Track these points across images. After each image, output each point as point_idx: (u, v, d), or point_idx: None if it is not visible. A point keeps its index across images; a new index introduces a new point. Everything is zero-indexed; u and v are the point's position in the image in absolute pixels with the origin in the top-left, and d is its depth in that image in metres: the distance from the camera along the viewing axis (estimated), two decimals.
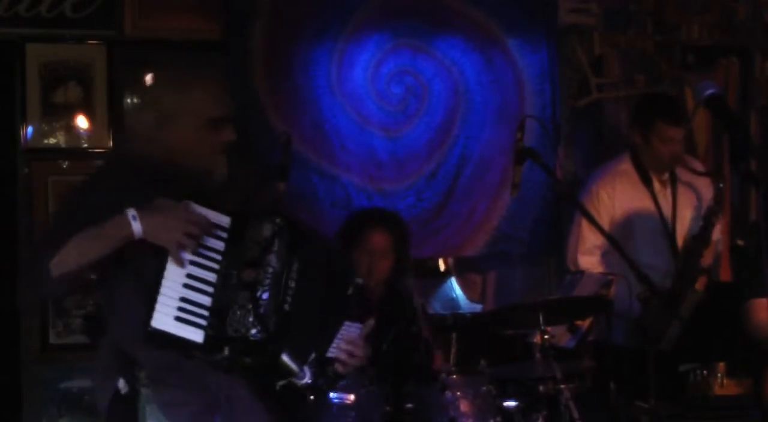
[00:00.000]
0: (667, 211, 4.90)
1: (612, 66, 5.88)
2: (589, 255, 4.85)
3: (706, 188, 4.97)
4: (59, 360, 4.97)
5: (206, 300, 2.73)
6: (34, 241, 4.45)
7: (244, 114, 4.98)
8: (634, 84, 5.87)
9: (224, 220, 2.81)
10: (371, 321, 3.05)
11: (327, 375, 2.95)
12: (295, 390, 2.87)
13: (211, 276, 2.76)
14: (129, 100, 5.20)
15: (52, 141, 5.11)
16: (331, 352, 2.97)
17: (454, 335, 4.43)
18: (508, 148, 5.30)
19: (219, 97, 3.00)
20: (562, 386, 4.06)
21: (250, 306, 2.73)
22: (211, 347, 2.71)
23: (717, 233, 5.01)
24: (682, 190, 4.96)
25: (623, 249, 3.91)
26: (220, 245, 2.79)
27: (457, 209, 5.56)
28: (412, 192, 5.51)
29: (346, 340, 2.98)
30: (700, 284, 4.84)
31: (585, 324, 4.59)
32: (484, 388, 4.04)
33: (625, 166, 4.95)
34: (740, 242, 5.95)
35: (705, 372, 4.54)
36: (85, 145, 5.14)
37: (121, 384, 2.81)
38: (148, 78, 5.13)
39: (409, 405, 3.94)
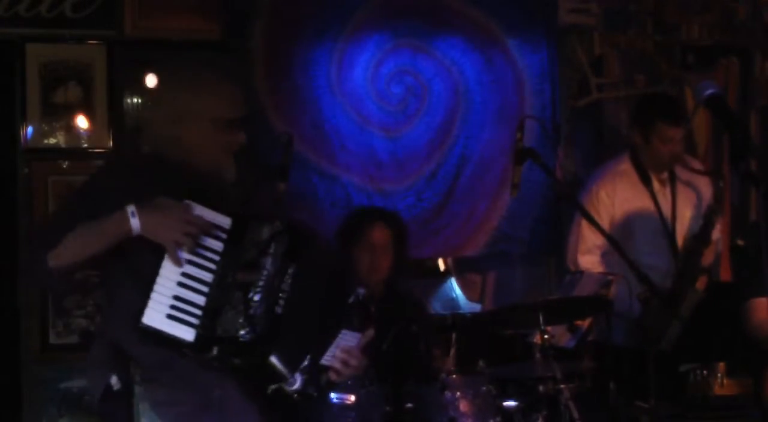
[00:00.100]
0: (666, 210, 4.91)
1: (612, 66, 5.88)
2: (589, 254, 4.85)
3: (705, 187, 4.97)
4: (59, 360, 4.96)
5: (200, 300, 2.74)
6: (32, 230, 4.44)
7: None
8: (634, 84, 5.87)
9: (225, 221, 2.81)
10: (370, 332, 3.03)
11: (318, 383, 2.94)
12: (284, 395, 2.86)
13: (207, 276, 2.76)
14: (131, 99, 5.20)
15: (52, 141, 5.11)
16: (326, 360, 2.96)
17: (454, 335, 4.43)
18: (508, 148, 5.29)
19: (234, 98, 3.00)
20: (562, 386, 4.06)
21: (241, 307, 2.74)
22: (201, 346, 2.71)
23: (717, 232, 5.02)
24: (681, 189, 4.96)
25: (623, 250, 3.91)
26: (218, 246, 2.79)
27: (457, 209, 5.56)
28: (412, 192, 5.51)
29: (343, 349, 2.97)
30: (700, 283, 4.84)
31: (585, 324, 4.58)
32: (484, 388, 4.04)
33: (625, 165, 4.96)
34: (740, 242, 5.95)
35: (705, 372, 4.54)
36: (85, 145, 5.14)
37: (114, 380, 2.82)
38: (150, 78, 5.14)
39: (409, 405, 3.94)
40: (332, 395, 3.82)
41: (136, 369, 2.81)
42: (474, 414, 3.99)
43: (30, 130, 5.06)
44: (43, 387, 5.01)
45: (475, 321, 5.52)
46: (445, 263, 6.07)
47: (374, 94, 5.47)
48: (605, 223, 4.70)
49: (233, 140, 2.96)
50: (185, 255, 2.75)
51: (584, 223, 4.74)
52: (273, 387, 2.86)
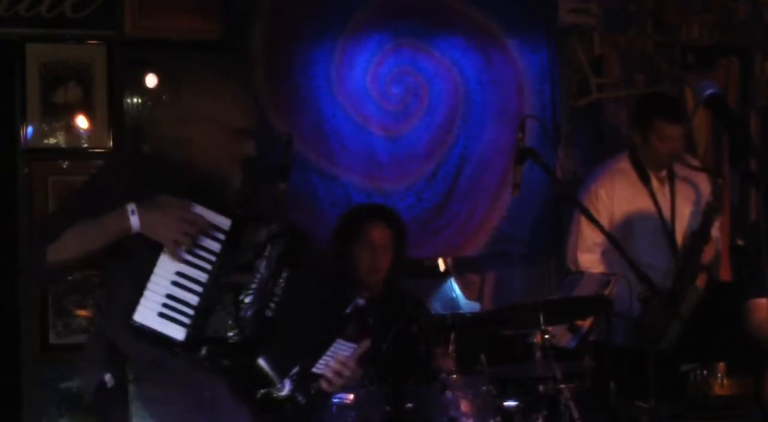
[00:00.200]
0: (665, 208, 4.92)
1: (612, 66, 5.88)
2: (589, 253, 4.86)
3: (704, 184, 4.98)
4: (59, 360, 4.96)
5: (193, 299, 2.74)
6: (32, 226, 4.45)
7: None
8: (634, 84, 5.88)
9: (224, 223, 2.81)
10: (366, 343, 3.00)
11: (308, 390, 2.93)
12: (275, 402, 2.85)
13: (203, 276, 2.76)
14: (131, 99, 5.20)
15: (52, 141, 5.11)
16: (318, 368, 2.94)
17: (453, 335, 4.42)
18: (508, 148, 5.31)
19: (247, 108, 3.00)
20: (562, 386, 4.06)
21: (232, 308, 2.74)
22: (191, 346, 2.71)
23: (716, 230, 5.02)
24: (680, 187, 4.97)
25: (623, 249, 3.91)
26: (216, 246, 2.79)
27: (457, 209, 5.56)
28: (412, 192, 5.51)
29: (336, 359, 2.95)
30: (700, 281, 4.85)
31: (585, 324, 4.59)
32: (484, 388, 4.04)
33: (624, 164, 4.97)
34: (740, 242, 5.95)
35: (705, 372, 4.54)
36: (85, 145, 5.14)
37: (108, 377, 2.82)
38: (150, 78, 5.14)
39: (409, 405, 3.94)
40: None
41: (130, 367, 2.82)
42: (474, 414, 3.98)
43: (30, 130, 5.06)
44: (43, 387, 5.01)
45: (475, 321, 5.52)
46: (445, 263, 6.07)
47: (374, 94, 5.47)
48: (604, 222, 4.70)
49: (242, 149, 2.96)
50: (182, 254, 2.75)
51: (584, 222, 4.74)
52: (262, 392, 2.84)
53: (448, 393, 3.99)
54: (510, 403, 4.11)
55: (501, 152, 5.53)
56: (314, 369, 2.94)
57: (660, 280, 4.57)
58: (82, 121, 5.13)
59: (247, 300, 2.75)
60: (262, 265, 2.78)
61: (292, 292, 2.82)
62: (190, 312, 2.72)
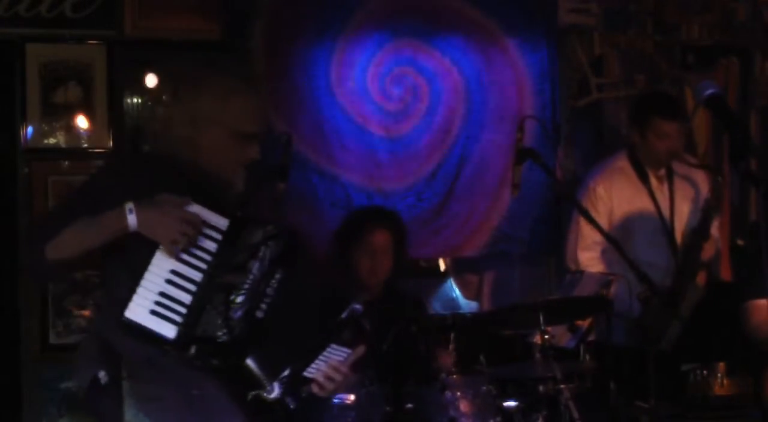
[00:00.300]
0: (665, 207, 4.92)
1: (612, 66, 5.88)
2: (588, 251, 4.86)
3: (703, 181, 5.00)
4: (59, 360, 4.96)
5: (186, 298, 2.74)
6: (31, 223, 4.45)
7: None
8: (634, 84, 5.88)
9: (222, 223, 2.81)
10: (361, 349, 2.97)
11: (298, 394, 2.91)
12: (264, 403, 2.84)
13: (197, 276, 2.76)
14: (131, 99, 5.21)
15: (52, 141, 5.11)
16: (310, 372, 2.93)
17: (453, 335, 4.42)
18: (508, 148, 5.31)
19: (256, 112, 3.00)
20: (562, 386, 4.06)
21: (222, 308, 2.74)
22: (181, 344, 2.71)
23: (716, 231, 5.03)
24: (679, 185, 4.98)
25: (622, 249, 3.92)
26: (212, 246, 2.79)
27: (457, 209, 5.56)
28: (412, 192, 5.51)
29: (329, 364, 2.94)
30: (700, 278, 4.86)
31: (585, 324, 4.59)
32: (484, 388, 4.04)
33: (622, 163, 4.98)
34: (740, 242, 5.95)
35: (705, 372, 4.54)
36: (85, 145, 5.14)
37: (102, 374, 2.82)
38: (150, 77, 5.14)
39: (409, 405, 3.95)
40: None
41: (125, 365, 2.82)
42: (474, 414, 3.99)
43: (30, 130, 5.06)
44: (43, 387, 5.01)
45: (475, 321, 5.52)
46: (446, 263, 6.07)
47: (374, 94, 5.47)
48: (603, 220, 4.71)
49: (248, 153, 2.96)
50: (179, 253, 2.75)
51: (583, 220, 4.74)
52: (252, 394, 2.84)
53: (448, 393, 3.99)
54: (510, 403, 4.11)
55: (501, 152, 5.53)
56: (306, 373, 2.92)
57: (660, 279, 4.58)
58: (82, 121, 5.13)
59: (238, 300, 2.75)
60: (255, 266, 2.78)
61: (285, 294, 2.81)
62: (183, 310, 2.72)
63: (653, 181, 4.94)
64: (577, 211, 4.62)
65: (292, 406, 2.88)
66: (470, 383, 4.05)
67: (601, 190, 4.91)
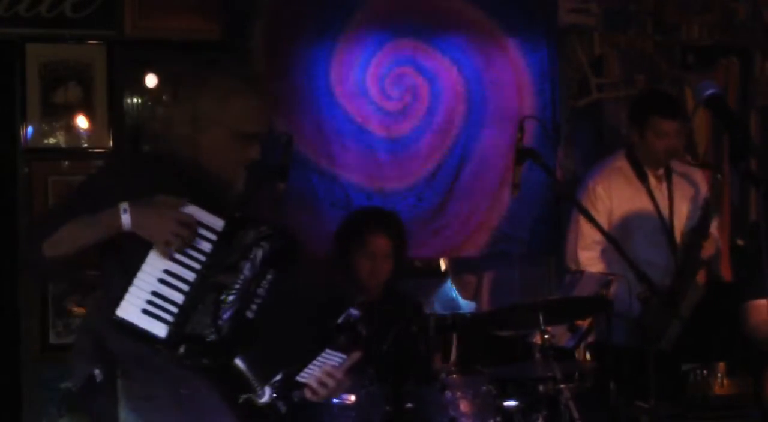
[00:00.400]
0: (663, 206, 4.93)
1: (612, 66, 5.88)
2: (588, 250, 4.87)
3: (702, 181, 5.01)
4: (59, 360, 4.95)
5: (179, 298, 2.73)
6: (30, 221, 4.46)
7: None
8: (634, 84, 5.87)
9: (218, 223, 2.80)
10: (356, 355, 2.94)
11: (290, 399, 2.89)
12: (255, 407, 2.83)
13: (190, 275, 2.76)
14: (131, 99, 5.21)
15: (52, 141, 5.11)
16: (302, 377, 2.91)
17: (454, 335, 4.43)
18: (508, 148, 5.31)
19: (257, 112, 2.98)
20: (562, 386, 4.06)
21: (212, 307, 2.73)
22: (171, 343, 2.71)
23: (716, 231, 5.03)
24: (678, 184, 4.98)
25: (622, 249, 3.92)
26: (207, 246, 2.78)
27: (457, 209, 5.56)
28: (412, 192, 5.51)
29: (322, 369, 2.91)
30: (700, 277, 4.86)
31: (585, 324, 4.59)
32: (484, 388, 4.04)
33: (621, 162, 4.99)
34: (740, 242, 5.95)
35: (705, 372, 4.54)
36: (85, 145, 5.14)
37: (97, 372, 2.82)
38: (150, 77, 5.14)
39: (409, 405, 3.94)
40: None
41: (120, 363, 2.83)
42: (474, 414, 3.99)
43: (30, 130, 5.06)
44: (43, 387, 5.01)
45: (475, 321, 5.52)
46: (446, 263, 6.06)
47: (374, 94, 5.47)
48: (603, 219, 4.71)
49: (247, 153, 2.95)
50: (172, 253, 2.75)
51: (583, 220, 4.75)
52: (243, 397, 2.83)
53: (448, 393, 3.99)
54: (510, 403, 4.11)
55: (501, 152, 5.53)
56: (299, 378, 2.90)
57: (659, 278, 4.58)
58: (82, 121, 5.13)
59: (228, 300, 2.74)
60: (246, 266, 2.77)
61: (279, 296, 2.80)
62: (174, 310, 2.72)
63: (652, 181, 4.95)
64: (577, 210, 4.62)
65: (282, 411, 2.86)
66: (470, 383, 4.05)
67: (600, 190, 4.92)
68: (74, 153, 5.12)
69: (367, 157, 5.44)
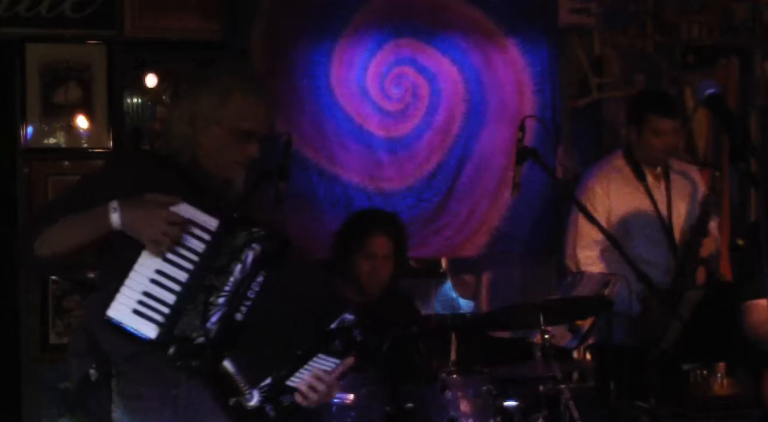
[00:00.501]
0: (662, 204, 4.93)
1: (612, 66, 5.88)
2: (587, 249, 4.87)
3: (700, 178, 5.02)
4: (59, 360, 4.96)
5: (170, 298, 2.71)
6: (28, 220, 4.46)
7: None
8: (634, 84, 5.88)
9: (212, 223, 2.78)
10: (349, 360, 2.91)
11: (279, 403, 2.86)
12: (245, 410, 2.82)
13: (183, 276, 2.74)
14: (131, 99, 5.21)
15: (52, 141, 5.11)
16: (293, 381, 2.88)
17: (453, 335, 4.43)
18: (508, 148, 5.31)
19: (255, 110, 2.96)
20: (562, 386, 4.06)
21: (201, 309, 2.72)
22: (161, 344, 2.70)
23: (715, 230, 5.03)
24: (676, 183, 4.99)
25: (622, 248, 3.92)
26: (200, 247, 2.76)
27: (457, 209, 5.56)
28: (412, 192, 5.51)
29: (314, 374, 2.88)
30: (700, 275, 4.86)
31: (585, 324, 4.59)
32: (484, 388, 4.04)
33: (619, 162, 5.00)
34: (740, 242, 5.95)
35: (705, 372, 4.54)
36: (85, 145, 5.14)
37: (92, 371, 2.82)
38: (150, 78, 5.14)
39: (409, 405, 3.95)
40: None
41: (114, 362, 2.83)
42: (474, 414, 3.99)
43: (30, 130, 5.07)
44: (43, 387, 5.01)
45: (475, 321, 5.52)
46: (444, 263, 6.06)
47: (374, 94, 5.47)
48: (601, 218, 4.71)
49: (246, 151, 2.93)
50: (165, 253, 2.73)
51: (582, 219, 4.75)
52: (233, 399, 2.82)
53: (448, 393, 3.99)
54: (510, 403, 4.11)
55: (501, 152, 5.53)
56: (289, 382, 2.87)
57: (659, 276, 4.59)
58: (82, 121, 5.13)
59: (218, 302, 2.73)
60: (237, 268, 2.75)
61: (269, 300, 2.78)
62: (166, 310, 2.70)
63: (650, 180, 4.96)
64: (576, 209, 4.62)
65: (271, 415, 2.83)
66: (470, 383, 4.05)
67: (598, 189, 4.93)
68: (74, 153, 5.12)
69: (367, 157, 5.44)
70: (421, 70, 5.54)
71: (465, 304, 5.90)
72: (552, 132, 5.57)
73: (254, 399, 2.79)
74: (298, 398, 2.89)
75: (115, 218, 2.72)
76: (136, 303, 2.69)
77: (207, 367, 2.74)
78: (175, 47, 5.25)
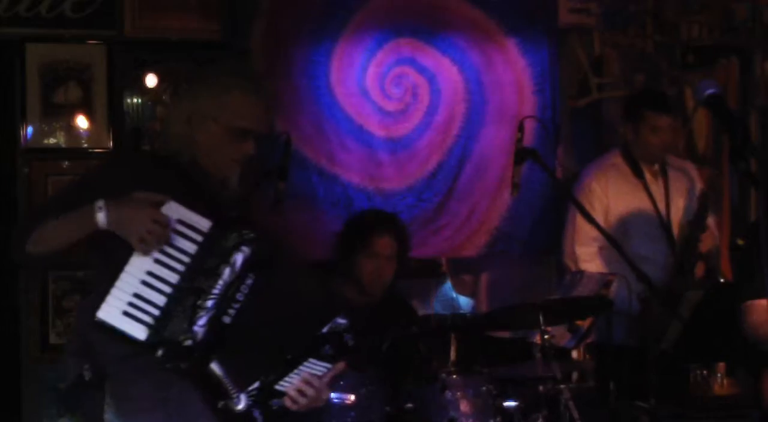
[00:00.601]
0: (660, 201, 4.94)
1: (612, 66, 5.88)
2: (586, 246, 4.87)
3: (698, 175, 5.03)
4: (59, 360, 4.96)
5: (161, 300, 2.70)
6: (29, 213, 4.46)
7: None
8: (634, 84, 5.87)
9: (203, 224, 2.76)
10: (340, 365, 2.89)
11: (268, 407, 2.85)
12: (232, 413, 2.80)
13: (173, 277, 2.72)
14: (131, 99, 5.21)
15: (52, 141, 5.11)
16: (283, 385, 2.87)
17: (453, 335, 4.42)
18: (508, 148, 5.30)
19: (252, 108, 2.94)
20: (562, 386, 4.06)
21: (189, 311, 2.71)
22: (150, 346, 2.69)
23: (715, 229, 5.03)
24: (674, 179, 5.00)
25: (620, 247, 3.92)
26: (191, 248, 2.74)
27: (457, 209, 5.56)
28: (412, 192, 5.51)
29: (304, 378, 2.87)
30: (699, 271, 4.86)
31: (585, 324, 4.59)
32: (484, 388, 4.04)
33: (616, 160, 5.02)
34: (740, 242, 5.95)
35: (705, 372, 4.54)
36: (85, 145, 5.14)
37: (86, 371, 2.82)
38: (150, 78, 5.14)
39: (409, 405, 3.95)
40: (332, 395, 3.79)
41: (105, 363, 2.82)
42: (474, 414, 3.99)
43: (30, 130, 5.07)
44: (43, 387, 5.01)
45: (475, 321, 5.52)
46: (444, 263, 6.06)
47: (374, 94, 5.47)
48: (600, 216, 4.72)
49: (242, 148, 2.91)
50: (155, 254, 2.71)
51: (580, 217, 4.73)
52: (221, 403, 2.81)
53: (448, 393, 3.99)
54: (510, 403, 4.11)
55: (501, 152, 5.53)
56: (278, 386, 2.85)
57: (658, 273, 4.59)
58: (82, 121, 5.13)
59: (207, 304, 2.71)
60: (226, 271, 2.73)
61: (259, 303, 2.76)
62: (156, 312, 2.69)
63: (648, 177, 4.96)
64: (575, 207, 4.62)
65: (259, 419, 2.83)
66: (470, 383, 4.05)
67: (596, 187, 4.94)
68: (74, 153, 5.12)
69: (367, 157, 5.44)
70: (421, 69, 5.54)
71: (465, 303, 5.90)
72: (552, 132, 5.57)
73: (242, 403, 2.78)
74: (287, 402, 2.87)
75: (100, 217, 2.71)
76: (126, 305, 2.68)
77: (195, 370, 2.74)
78: (175, 47, 5.25)
